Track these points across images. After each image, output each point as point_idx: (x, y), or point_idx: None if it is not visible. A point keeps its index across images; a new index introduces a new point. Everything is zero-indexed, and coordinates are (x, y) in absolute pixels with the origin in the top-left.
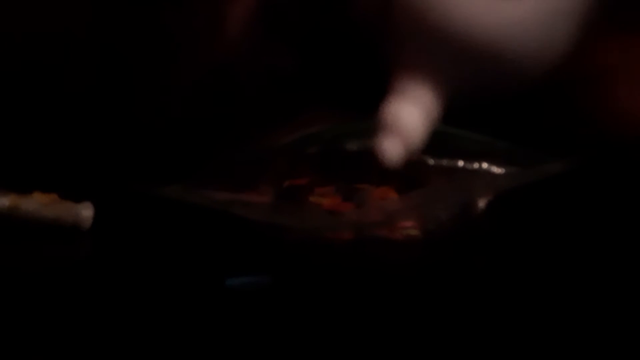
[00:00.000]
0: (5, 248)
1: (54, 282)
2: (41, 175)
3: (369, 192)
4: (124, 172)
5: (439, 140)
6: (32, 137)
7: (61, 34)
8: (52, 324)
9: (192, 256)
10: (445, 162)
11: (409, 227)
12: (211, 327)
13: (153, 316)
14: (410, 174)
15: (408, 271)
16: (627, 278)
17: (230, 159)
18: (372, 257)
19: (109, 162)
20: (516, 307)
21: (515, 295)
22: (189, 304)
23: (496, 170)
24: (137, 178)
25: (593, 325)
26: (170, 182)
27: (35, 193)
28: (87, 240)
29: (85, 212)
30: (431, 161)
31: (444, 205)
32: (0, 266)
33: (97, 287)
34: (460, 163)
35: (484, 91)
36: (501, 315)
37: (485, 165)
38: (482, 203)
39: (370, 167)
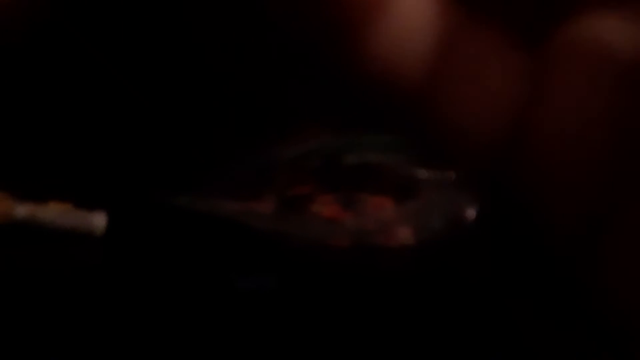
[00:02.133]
0: (22, 255)
1: (69, 288)
2: (57, 185)
3: (367, 201)
4: (135, 182)
5: (430, 151)
6: (48, 149)
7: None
8: (66, 329)
9: (200, 263)
10: (437, 172)
11: (404, 236)
12: (217, 331)
13: (163, 322)
14: (405, 184)
15: (403, 278)
16: None
17: (235, 170)
18: (368, 264)
19: (122, 173)
20: (510, 315)
21: (508, 303)
22: (197, 310)
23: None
24: (148, 188)
25: (585, 329)
26: (179, 192)
27: (51, 202)
28: (100, 247)
29: (99, 220)
30: (425, 173)
31: (438, 214)
32: (17, 272)
33: (110, 293)
34: (452, 174)
35: None
36: (494, 323)
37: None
38: (474, 213)
39: (369, 178)
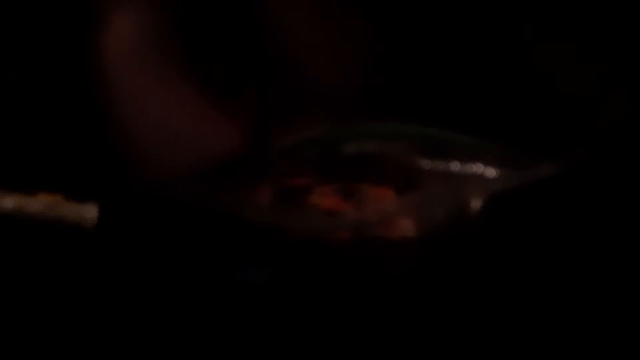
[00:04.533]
0: (10, 248)
1: (59, 281)
2: (46, 176)
3: (368, 192)
4: (127, 173)
5: (434, 143)
6: (36, 139)
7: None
8: (57, 322)
9: (193, 255)
10: (440, 164)
11: (406, 227)
12: (211, 324)
13: (155, 314)
14: (407, 175)
15: (404, 270)
16: (620, 277)
17: (231, 160)
18: (369, 257)
19: (113, 164)
20: (510, 306)
21: (508, 294)
22: (190, 302)
23: (490, 172)
24: (140, 179)
25: (586, 325)
26: (172, 182)
27: (40, 194)
28: (91, 240)
29: (89, 212)
30: (427, 163)
31: (439, 206)
32: (5, 265)
33: (101, 286)
34: (455, 165)
35: None
36: (495, 314)
37: (479, 167)
38: (476, 204)
39: (369, 168)
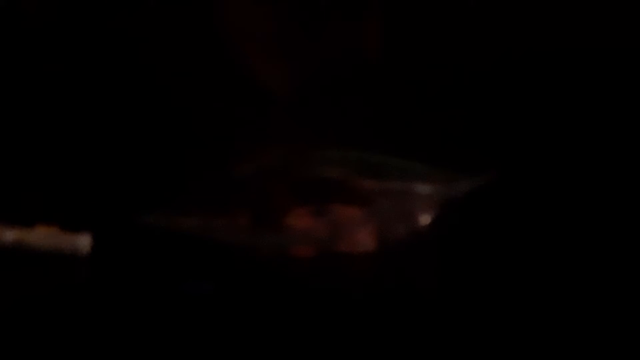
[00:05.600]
0: (11, 276)
1: (55, 307)
2: (43, 209)
3: (337, 211)
4: (117, 204)
5: (374, 166)
6: (33, 177)
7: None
8: (54, 345)
9: (177, 278)
10: (383, 184)
11: (365, 242)
12: (195, 343)
13: (146, 336)
14: (358, 195)
15: (364, 281)
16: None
17: (208, 187)
18: (332, 270)
19: (106, 196)
20: (460, 309)
21: (459, 298)
22: (176, 321)
23: (423, 189)
24: (129, 209)
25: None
26: (156, 211)
27: (37, 226)
28: (85, 267)
29: (84, 241)
30: (372, 184)
31: (390, 220)
32: (6, 292)
33: (94, 312)
34: (397, 185)
35: None
36: (447, 318)
37: (414, 185)
38: (418, 217)
39: (330, 190)
